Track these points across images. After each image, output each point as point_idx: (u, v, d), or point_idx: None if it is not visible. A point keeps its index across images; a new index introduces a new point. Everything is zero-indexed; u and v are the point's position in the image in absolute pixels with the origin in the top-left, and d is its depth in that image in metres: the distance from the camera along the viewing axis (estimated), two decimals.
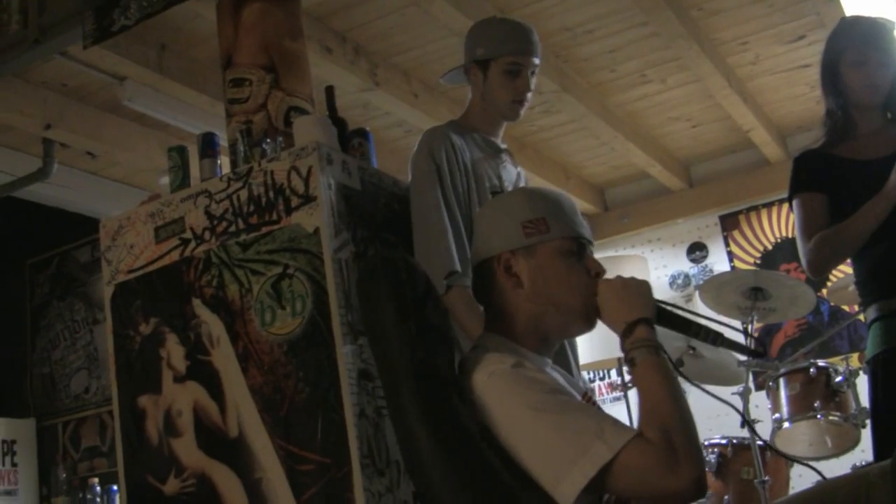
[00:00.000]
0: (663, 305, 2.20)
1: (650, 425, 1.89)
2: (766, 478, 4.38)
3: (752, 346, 2.34)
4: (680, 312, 2.22)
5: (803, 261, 3.23)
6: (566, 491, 1.89)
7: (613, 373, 7.56)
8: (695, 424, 1.93)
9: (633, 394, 6.74)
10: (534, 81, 3.27)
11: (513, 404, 2.01)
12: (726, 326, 2.31)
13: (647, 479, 1.85)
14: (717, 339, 2.20)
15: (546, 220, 2.22)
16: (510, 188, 3.22)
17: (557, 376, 2.24)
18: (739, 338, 2.40)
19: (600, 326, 2.23)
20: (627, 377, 6.95)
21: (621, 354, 2.09)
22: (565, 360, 2.98)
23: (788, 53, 5.87)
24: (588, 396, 2.35)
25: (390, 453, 2.64)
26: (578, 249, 2.23)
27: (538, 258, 2.20)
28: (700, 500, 4.16)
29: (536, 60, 3.25)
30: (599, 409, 2.26)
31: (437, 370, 2.13)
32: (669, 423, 1.88)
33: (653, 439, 1.86)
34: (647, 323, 2.07)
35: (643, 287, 2.15)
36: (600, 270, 2.22)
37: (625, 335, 2.07)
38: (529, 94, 3.25)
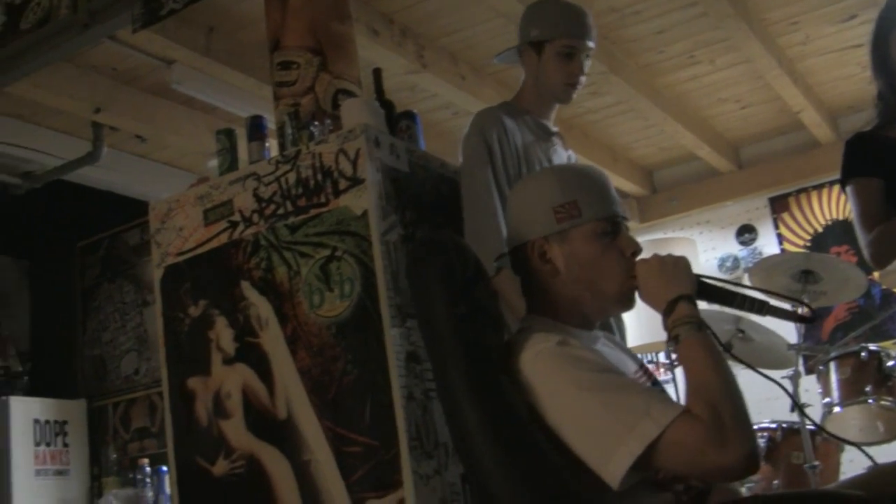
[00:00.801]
0: (705, 279, 2.17)
1: (697, 401, 1.88)
2: (817, 463, 4.34)
3: (800, 312, 2.30)
4: (722, 285, 2.20)
5: (865, 252, 3.18)
6: (614, 470, 1.88)
7: (661, 356, 7.52)
8: (743, 399, 1.90)
9: (680, 373, 6.72)
10: (587, 65, 3.25)
11: (558, 384, 2.00)
12: (774, 294, 2.28)
13: (696, 456, 1.84)
14: (762, 308, 2.17)
15: (577, 204, 2.20)
16: None
17: (608, 350, 2.24)
18: (785, 306, 2.37)
19: (647, 309, 2.21)
20: (674, 356, 6.91)
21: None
22: (611, 335, 2.97)
23: (839, 33, 5.80)
24: (644, 366, 2.33)
25: (438, 436, 2.64)
26: (612, 229, 2.21)
27: (572, 243, 2.19)
28: (749, 484, 4.14)
29: (591, 44, 3.24)
30: (656, 381, 2.25)
31: (486, 351, 2.13)
32: (716, 398, 1.87)
33: (700, 415, 1.85)
34: (687, 299, 2.06)
35: (681, 263, 2.13)
36: (636, 249, 2.20)
37: (666, 313, 2.06)
38: (583, 78, 3.24)
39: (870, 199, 3.19)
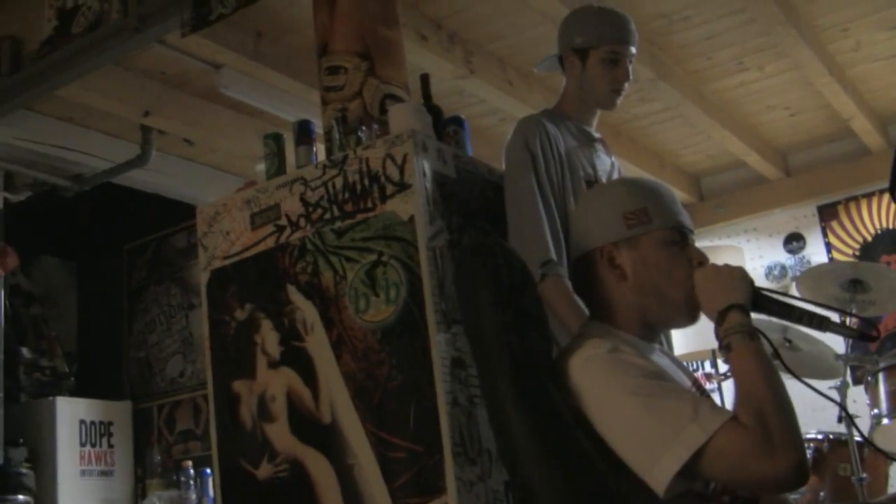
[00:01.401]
0: (763, 291, 2.15)
1: (745, 409, 1.87)
2: (864, 475, 4.29)
3: (862, 329, 2.27)
4: (781, 298, 2.18)
5: None
6: (659, 475, 1.87)
7: (707, 364, 7.48)
8: (793, 409, 1.89)
9: (727, 385, 6.67)
10: (631, 70, 3.24)
11: (607, 388, 2.00)
12: (832, 309, 2.25)
13: (742, 465, 1.83)
14: (822, 324, 2.14)
15: (648, 211, 2.21)
16: (604, 177, 3.20)
17: (663, 361, 2.22)
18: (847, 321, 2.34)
19: None
20: (722, 368, 6.86)
21: (715, 346, 2.06)
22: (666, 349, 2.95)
23: (891, 40, 5.74)
24: (696, 381, 2.32)
25: (482, 442, 2.63)
26: (681, 239, 2.21)
27: (641, 250, 2.19)
28: (794, 496, 4.10)
29: (634, 49, 3.23)
30: (708, 395, 2.24)
31: (532, 356, 2.13)
32: (765, 407, 1.85)
33: (748, 423, 1.84)
34: (740, 308, 2.04)
35: (736, 272, 2.12)
36: (703, 259, 2.20)
37: (718, 322, 2.05)
38: (627, 84, 3.23)
39: None
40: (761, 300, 2.14)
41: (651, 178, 2.38)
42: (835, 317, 2.19)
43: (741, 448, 1.82)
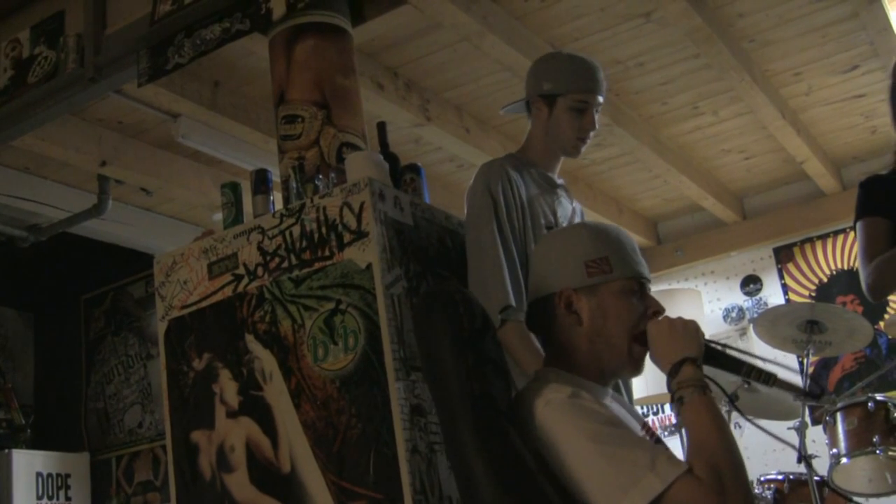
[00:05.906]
0: (714, 346, 2.19)
1: (699, 462, 1.90)
2: None
3: (808, 387, 2.32)
4: (731, 353, 2.21)
5: (863, 284, 3.20)
6: None
7: (667, 408, 7.49)
8: (743, 462, 1.94)
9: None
10: (597, 119, 3.24)
11: (568, 434, 2.01)
12: (781, 366, 2.29)
13: None
14: (769, 380, 2.18)
15: (609, 260, 2.23)
16: (565, 224, 3.20)
17: (618, 407, 2.24)
18: (795, 377, 2.38)
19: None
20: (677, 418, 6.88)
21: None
22: (618, 394, 2.95)
23: (842, 84, 5.83)
24: (647, 426, 2.33)
25: (443, 489, 2.62)
26: (639, 288, 2.24)
27: (599, 298, 2.21)
28: None
29: (601, 99, 3.23)
30: (659, 440, 2.26)
31: (493, 402, 2.12)
32: (718, 460, 1.90)
33: (702, 476, 1.87)
34: (692, 362, 2.07)
35: (690, 326, 2.15)
36: (658, 309, 2.23)
37: (671, 374, 2.08)
38: (592, 133, 3.23)
39: (875, 237, 3.22)
40: (712, 354, 2.18)
41: (613, 225, 2.40)
42: (782, 373, 2.23)
43: (696, 499, 1.85)
